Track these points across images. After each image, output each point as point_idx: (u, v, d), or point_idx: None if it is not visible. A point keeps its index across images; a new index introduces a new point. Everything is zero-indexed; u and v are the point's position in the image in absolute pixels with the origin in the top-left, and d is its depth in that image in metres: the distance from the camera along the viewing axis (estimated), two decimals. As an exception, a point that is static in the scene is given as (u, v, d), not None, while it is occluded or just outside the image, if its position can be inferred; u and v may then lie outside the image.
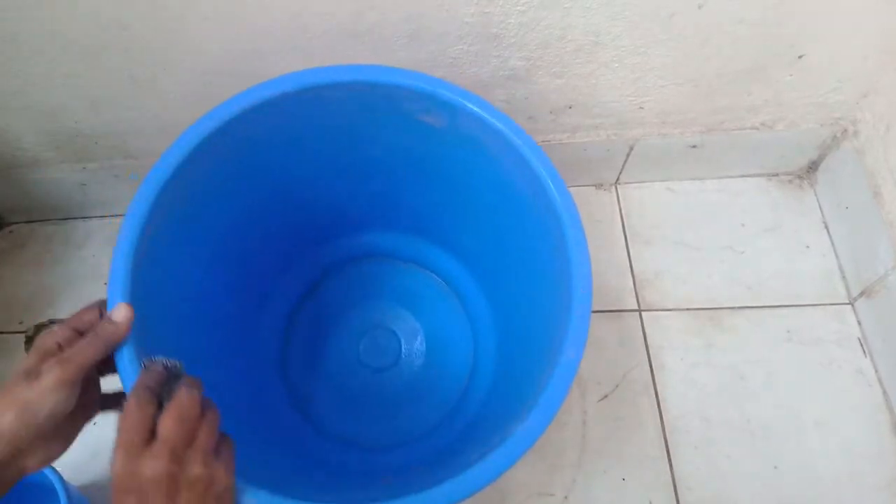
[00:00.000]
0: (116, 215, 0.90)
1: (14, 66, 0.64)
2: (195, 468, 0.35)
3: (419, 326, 0.73)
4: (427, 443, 0.66)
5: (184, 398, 0.37)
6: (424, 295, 0.75)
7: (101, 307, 0.44)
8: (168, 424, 0.36)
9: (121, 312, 0.42)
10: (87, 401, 0.41)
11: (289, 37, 0.60)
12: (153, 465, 0.34)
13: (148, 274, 0.46)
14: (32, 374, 0.37)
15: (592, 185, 0.85)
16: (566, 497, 0.67)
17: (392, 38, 0.61)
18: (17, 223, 0.92)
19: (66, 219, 0.91)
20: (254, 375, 0.68)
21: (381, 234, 0.75)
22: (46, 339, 0.40)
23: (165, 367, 0.40)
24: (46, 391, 0.36)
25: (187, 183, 0.50)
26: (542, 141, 0.77)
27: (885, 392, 0.70)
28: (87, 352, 0.39)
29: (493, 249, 0.66)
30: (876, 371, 0.71)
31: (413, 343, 0.72)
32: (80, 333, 0.41)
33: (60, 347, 0.39)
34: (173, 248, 0.52)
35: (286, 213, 0.66)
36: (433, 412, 0.69)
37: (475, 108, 0.50)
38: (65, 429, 0.39)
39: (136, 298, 0.44)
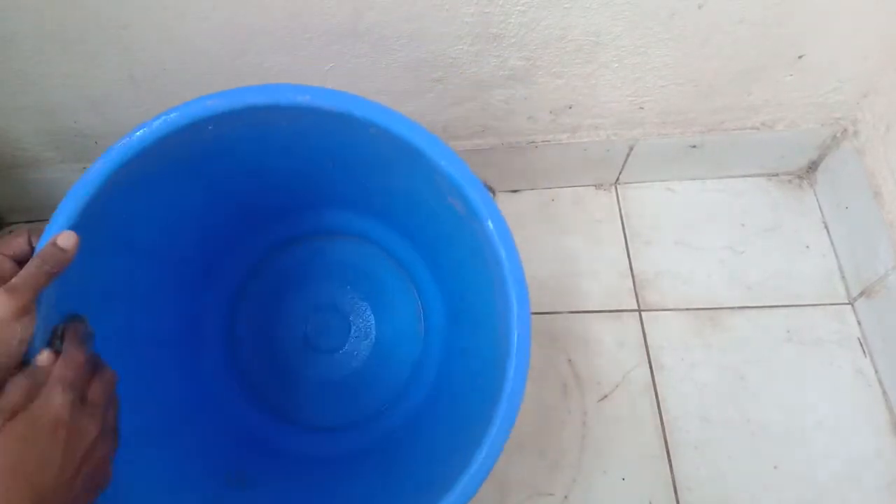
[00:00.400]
0: (116, 215, 0.90)
1: (14, 65, 0.64)
2: (76, 413, 0.37)
3: (368, 307, 0.71)
4: (373, 426, 0.66)
5: (73, 350, 0.40)
6: (375, 275, 0.73)
7: (31, 235, 0.42)
8: (60, 365, 0.38)
9: (68, 239, 0.41)
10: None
11: (289, 36, 0.60)
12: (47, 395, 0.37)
13: (84, 254, 0.45)
14: None
15: (592, 186, 0.85)
16: (566, 497, 0.67)
17: (392, 37, 0.61)
18: (16, 223, 0.92)
19: (66, 219, 0.91)
20: (201, 356, 0.67)
21: (328, 210, 0.72)
22: None
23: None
24: (7, 323, 0.36)
25: (132, 169, 0.49)
26: (542, 141, 0.77)
27: (884, 392, 0.70)
28: (37, 277, 0.38)
29: (437, 238, 0.65)
30: (876, 371, 0.71)
31: (362, 324, 0.71)
32: (18, 263, 0.40)
33: (6, 278, 0.38)
34: (111, 229, 0.51)
35: (230, 190, 0.64)
36: (379, 395, 0.68)
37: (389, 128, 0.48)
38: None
39: (69, 279, 0.43)
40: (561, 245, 0.81)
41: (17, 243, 0.41)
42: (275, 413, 0.68)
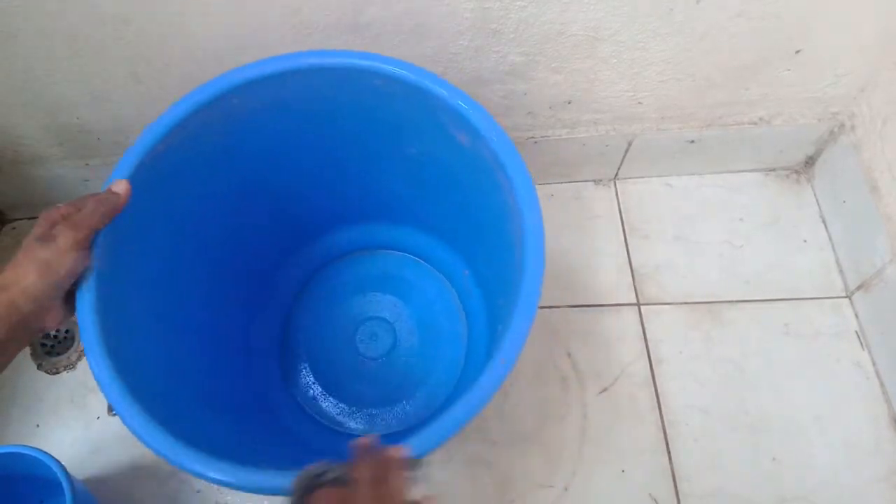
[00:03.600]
0: (118, 212, 0.91)
1: (16, 62, 0.64)
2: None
3: (414, 315, 0.74)
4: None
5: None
6: (419, 285, 0.76)
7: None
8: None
9: (121, 185, 0.46)
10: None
11: (290, 31, 0.60)
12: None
13: (126, 268, 0.48)
14: (47, 238, 0.41)
15: (591, 181, 0.85)
16: (566, 488, 0.68)
17: (392, 33, 0.61)
18: (19, 220, 0.92)
19: (68, 215, 0.91)
20: (253, 369, 0.69)
21: (374, 225, 0.76)
22: (52, 212, 0.43)
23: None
24: (63, 251, 0.40)
25: (167, 171, 0.51)
26: (542, 136, 0.77)
27: (882, 384, 0.70)
28: (94, 216, 0.43)
29: (478, 242, 0.67)
30: (874, 364, 0.72)
31: (408, 332, 0.73)
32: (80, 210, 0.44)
33: (65, 217, 0.43)
34: (156, 244, 0.54)
35: (276, 206, 0.67)
36: (429, 401, 0.69)
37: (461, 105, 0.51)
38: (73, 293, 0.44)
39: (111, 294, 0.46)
40: (560, 240, 0.81)
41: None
42: (324, 419, 0.70)
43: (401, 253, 0.77)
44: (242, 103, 0.52)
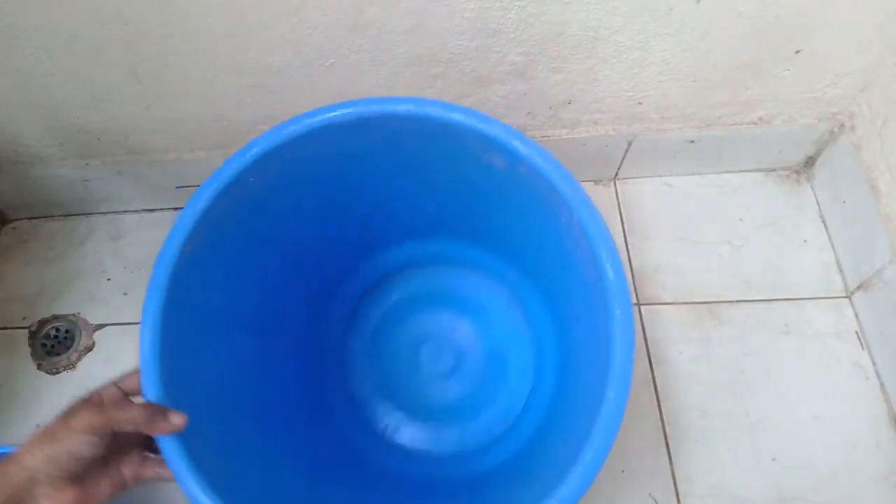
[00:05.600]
0: (119, 212, 0.91)
1: (15, 62, 0.64)
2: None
3: (481, 336, 0.71)
4: (483, 459, 0.65)
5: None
6: (488, 305, 0.73)
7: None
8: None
9: (179, 418, 0.42)
10: (114, 475, 0.42)
11: (290, 31, 0.60)
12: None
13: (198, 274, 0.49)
14: (68, 415, 0.39)
15: (591, 181, 0.85)
16: (566, 489, 0.68)
17: (392, 32, 0.61)
18: (19, 219, 0.92)
19: (68, 215, 0.91)
20: (311, 379, 0.69)
21: (444, 242, 0.73)
22: (94, 395, 0.42)
23: None
24: (72, 430, 0.38)
25: (240, 195, 0.51)
26: (541, 136, 0.77)
27: (882, 385, 0.70)
28: (124, 413, 0.40)
29: (552, 268, 0.64)
30: (874, 364, 0.72)
31: (474, 353, 0.71)
32: (128, 396, 0.43)
33: (104, 401, 0.42)
34: (225, 255, 0.54)
35: (345, 219, 0.66)
36: (489, 428, 0.68)
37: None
38: (87, 482, 0.40)
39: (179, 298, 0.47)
40: (560, 240, 0.81)
41: (135, 384, 0.45)
42: (382, 436, 0.69)
43: (464, 270, 0.74)
44: (328, 139, 0.52)
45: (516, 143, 0.49)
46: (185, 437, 0.42)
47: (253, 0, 0.57)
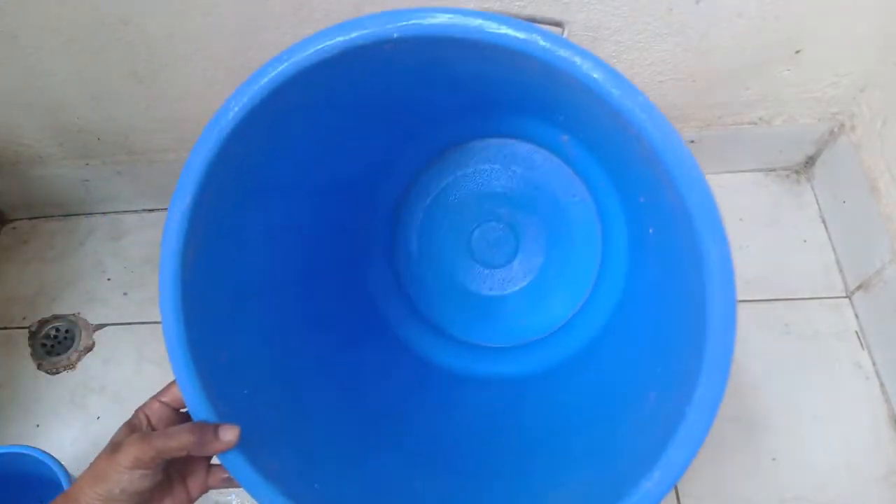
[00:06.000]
0: (119, 212, 0.91)
1: (16, 62, 0.64)
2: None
3: (540, 221, 0.64)
4: (537, 356, 0.62)
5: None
6: (549, 187, 0.64)
7: None
8: None
9: (231, 433, 0.39)
10: (178, 493, 0.40)
11: (289, 30, 0.60)
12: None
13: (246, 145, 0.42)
14: (116, 447, 0.37)
15: (592, 181, 0.85)
16: (566, 489, 0.68)
17: (392, 33, 0.61)
18: (19, 219, 0.92)
19: (68, 215, 0.91)
20: (363, 268, 0.64)
21: (510, 116, 0.62)
22: (139, 413, 0.39)
23: None
24: (121, 467, 0.36)
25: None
26: (542, 136, 0.77)
27: (882, 385, 0.70)
28: (172, 442, 0.37)
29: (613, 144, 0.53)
30: (874, 364, 0.72)
31: (532, 241, 0.64)
32: (176, 409, 0.41)
33: (149, 422, 0.39)
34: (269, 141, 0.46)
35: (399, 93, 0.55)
36: (548, 319, 0.63)
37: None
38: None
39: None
40: (560, 240, 0.81)
41: (179, 394, 0.40)
42: (436, 328, 0.64)
43: (543, 150, 0.63)
44: (394, 52, 0.43)
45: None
46: (244, 444, 0.39)
47: (253, 0, 0.57)
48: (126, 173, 0.82)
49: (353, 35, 0.40)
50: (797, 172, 0.84)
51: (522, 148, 0.63)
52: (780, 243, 0.79)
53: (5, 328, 0.84)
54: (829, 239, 0.79)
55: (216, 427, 0.38)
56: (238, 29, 0.60)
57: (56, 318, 0.84)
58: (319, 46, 0.40)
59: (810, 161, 0.82)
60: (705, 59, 0.66)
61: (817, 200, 0.81)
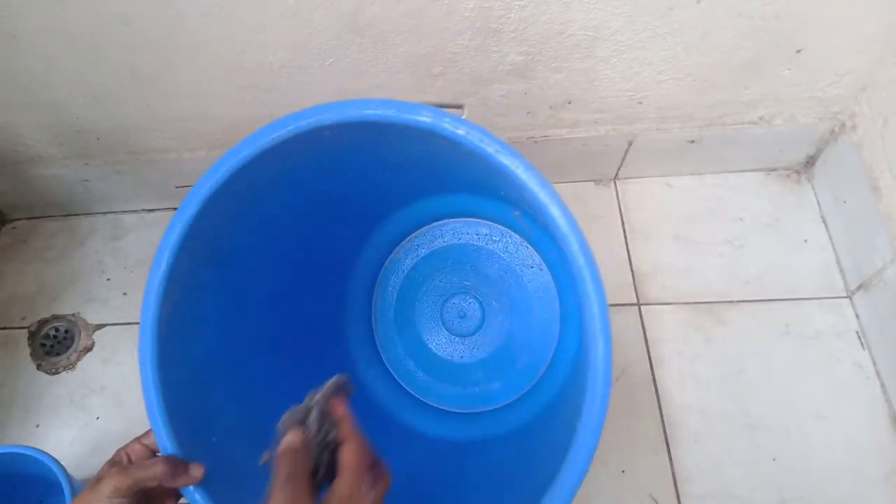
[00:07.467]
0: (119, 211, 0.91)
1: (16, 62, 0.64)
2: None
3: (504, 295, 0.71)
4: (500, 419, 0.67)
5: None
6: (510, 263, 0.72)
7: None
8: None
9: (199, 470, 0.45)
10: None
11: (289, 31, 0.60)
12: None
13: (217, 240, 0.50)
14: (97, 481, 0.42)
15: (591, 181, 0.85)
16: (566, 489, 0.68)
17: (392, 32, 0.61)
18: (19, 219, 0.92)
19: (68, 215, 0.91)
20: (342, 333, 0.70)
21: (467, 196, 0.71)
22: (121, 452, 0.45)
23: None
24: (103, 496, 0.41)
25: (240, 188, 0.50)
26: (542, 136, 0.77)
27: (882, 385, 0.70)
28: (147, 472, 0.42)
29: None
30: (874, 364, 0.71)
31: (497, 312, 0.70)
32: (154, 452, 0.46)
33: (130, 460, 0.44)
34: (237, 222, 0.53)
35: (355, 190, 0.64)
36: (509, 387, 0.68)
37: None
38: None
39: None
40: (561, 240, 0.81)
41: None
42: (407, 393, 0.70)
43: (503, 229, 0.72)
44: (333, 135, 0.50)
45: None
46: (206, 482, 0.45)
47: (253, 0, 0.57)
48: (126, 173, 0.82)
49: (301, 123, 0.46)
50: (798, 172, 0.84)
51: (482, 226, 0.72)
52: (781, 243, 0.79)
53: (5, 328, 0.84)
54: (830, 239, 0.79)
55: (187, 464, 0.45)
56: (238, 29, 0.60)
57: (56, 318, 0.84)
58: (275, 134, 0.47)
59: (811, 161, 0.82)
60: (706, 58, 0.65)
61: (818, 200, 0.81)
